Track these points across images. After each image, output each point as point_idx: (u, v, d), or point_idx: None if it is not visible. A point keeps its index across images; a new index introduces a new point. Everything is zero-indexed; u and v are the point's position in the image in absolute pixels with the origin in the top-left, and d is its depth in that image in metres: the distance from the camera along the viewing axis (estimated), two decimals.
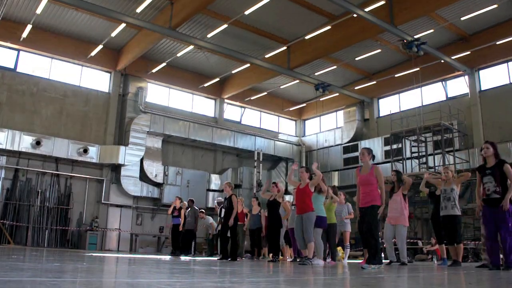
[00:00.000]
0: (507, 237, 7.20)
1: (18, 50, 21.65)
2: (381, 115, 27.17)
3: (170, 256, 14.00)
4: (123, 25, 19.95)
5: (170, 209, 15.77)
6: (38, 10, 18.69)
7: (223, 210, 14.79)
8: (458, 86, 23.97)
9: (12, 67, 21.46)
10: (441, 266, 10.29)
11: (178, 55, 22.94)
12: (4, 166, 20.20)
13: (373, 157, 8.02)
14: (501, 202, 7.23)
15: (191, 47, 22.01)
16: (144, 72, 24.25)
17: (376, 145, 25.32)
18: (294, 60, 22.48)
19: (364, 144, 26.11)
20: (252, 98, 27.69)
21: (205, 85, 25.85)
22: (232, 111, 28.74)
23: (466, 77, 23.22)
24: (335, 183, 26.64)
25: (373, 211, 7.60)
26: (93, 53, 22.36)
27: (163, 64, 23.74)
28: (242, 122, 28.89)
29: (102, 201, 22.50)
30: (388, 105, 26.79)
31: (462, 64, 22.18)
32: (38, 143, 20.62)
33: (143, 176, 23.30)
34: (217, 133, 26.43)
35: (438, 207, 10.46)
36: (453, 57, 21.75)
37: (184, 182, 24.10)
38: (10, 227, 19.59)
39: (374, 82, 25.76)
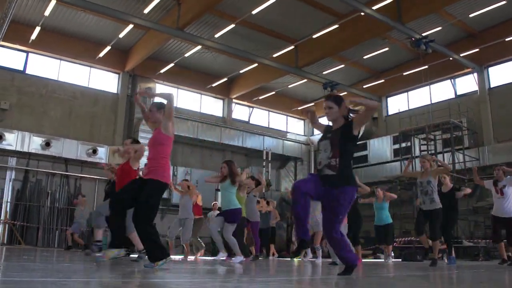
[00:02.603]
0: (334, 234, 4.92)
1: (27, 52, 21.77)
2: (389, 113, 27.06)
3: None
4: (130, 26, 20.01)
5: None
6: (47, 12, 18.81)
7: None
8: (467, 83, 23.81)
9: (21, 69, 21.60)
10: (448, 266, 9.95)
11: (186, 55, 22.99)
12: (14, 167, 20.33)
13: (164, 110, 5.86)
14: (337, 181, 4.85)
15: (199, 47, 22.04)
16: (152, 72, 24.32)
17: (385, 144, 25.26)
18: (302, 59, 22.45)
19: (373, 143, 26.02)
20: (260, 97, 27.69)
21: (213, 85, 25.88)
22: (240, 111, 28.74)
23: (475, 74, 23.07)
24: None
25: (153, 187, 5.46)
26: (101, 54, 22.45)
27: (171, 65, 23.78)
28: (250, 122, 28.88)
29: None
30: (397, 104, 26.67)
31: (471, 61, 22.05)
32: (47, 144, 20.75)
33: None
34: (225, 133, 26.45)
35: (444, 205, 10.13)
36: (462, 55, 21.62)
37: (193, 182, 23.87)
38: (21, 227, 19.70)
39: (382, 81, 25.67)
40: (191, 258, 11.36)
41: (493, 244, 13.85)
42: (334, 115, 5.09)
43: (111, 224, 5.99)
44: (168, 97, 5.86)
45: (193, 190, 11.85)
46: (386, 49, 22.51)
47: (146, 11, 18.89)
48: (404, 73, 24.23)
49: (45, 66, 22.23)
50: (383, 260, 13.33)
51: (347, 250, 5.03)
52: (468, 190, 11.23)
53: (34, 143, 20.49)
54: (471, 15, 19.72)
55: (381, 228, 12.83)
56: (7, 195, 19.93)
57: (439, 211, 8.84)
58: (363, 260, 14.68)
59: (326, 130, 5.24)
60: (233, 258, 9.14)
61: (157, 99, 6.22)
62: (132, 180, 5.91)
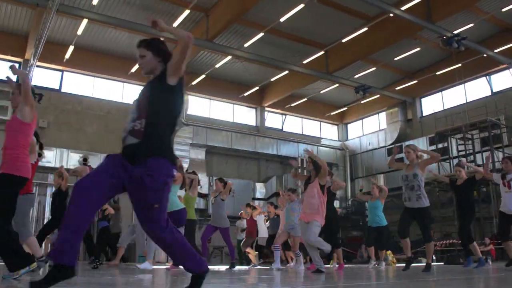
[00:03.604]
0: (162, 233, 3.34)
1: (62, 71, 22.32)
2: (424, 114, 26.65)
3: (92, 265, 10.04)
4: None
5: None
6: (79, 31, 19.22)
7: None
8: (503, 79, 23.26)
9: (57, 87, 22.16)
10: (476, 269, 8.95)
11: (217, 66, 23.11)
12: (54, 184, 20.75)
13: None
14: (141, 151, 3.27)
15: (229, 57, 22.15)
16: (185, 85, 24.51)
17: (421, 146, 24.79)
18: (333, 64, 22.35)
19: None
20: (292, 104, 27.64)
21: (245, 94, 25.97)
22: (273, 119, 28.74)
23: (511, 69, 22.55)
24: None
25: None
26: (133, 70, 22.75)
27: (203, 76, 23.94)
28: (284, 129, 28.85)
29: None
30: (431, 104, 26.26)
31: (506, 56, 21.54)
32: (85, 160, 20.96)
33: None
34: (259, 141, 26.49)
35: (460, 199, 9.65)
36: (496, 50, 21.13)
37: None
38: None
39: (415, 81, 25.28)
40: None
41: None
42: (148, 65, 3.61)
43: None
44: (22, 75, 5.04)
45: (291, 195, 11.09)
46: (418, 49, 22.15)
47: (175, 24, 19.08)
48: (437, 73, 23.83)
49: (80, 84, 22.74)
50: (368, 265, 12.27)
51: (187, 256, 3.38)
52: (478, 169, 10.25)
53: (72, 159, 20.89)
54: (504, 9, 19.30)
55: (373, 230, 12.00)
56: (48, 211, 20.34)
57: (427, 210, 7.80)
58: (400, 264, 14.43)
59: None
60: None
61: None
62: None
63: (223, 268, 11.33)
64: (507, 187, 8.82)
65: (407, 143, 25.52)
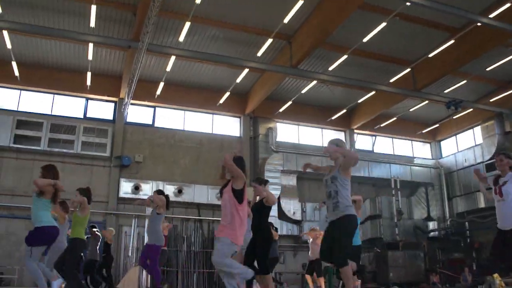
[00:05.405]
0: None
1: (154, 107, 23.37)
2: None
3: None
4: (246, 70, 20.72)
5: None
6: (168, 68, 20.10)
7: None
8: None
9: (151, 123, 23.22)
10: None
11: (303, 91, 23.22)
12: None
13: None
14: None
15: (314, 82, 22.22)
16: (271, 112, 24.88)
17: None
18: (420, 81, 21.77)
19: None
20: (382, 125, 27.13)
21: (333, 117, 25.86)
22: (363, 141, 28.32)
23: None
24: (482, 205, 25.01)
25: None
26: (221, 101, 23.39)
27: (289, 103, 24.15)
28: (374, 151, 28.32)
29: None
30: None
31: None
32: (180, 191, 21.83)
33: (282, 215, 23.58)
34: None
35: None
36: None
37: (322, 217, 23.94)
38: (162, 272, 20.64)
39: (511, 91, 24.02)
40: None
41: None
42: None
43: None
44: None
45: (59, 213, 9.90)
46: (511, 57, 21.06)
47: (259, 54, 19.49)
48: None
49: (171, 118, 23.73)
50: None
51: None
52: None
53: (167, 191, 21.39)
54: None
55: None
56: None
57: (345, 220, 6.00)
58: None
59: None
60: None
61: None
62: None
63: None
64: (499, 195, 6.87)
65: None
